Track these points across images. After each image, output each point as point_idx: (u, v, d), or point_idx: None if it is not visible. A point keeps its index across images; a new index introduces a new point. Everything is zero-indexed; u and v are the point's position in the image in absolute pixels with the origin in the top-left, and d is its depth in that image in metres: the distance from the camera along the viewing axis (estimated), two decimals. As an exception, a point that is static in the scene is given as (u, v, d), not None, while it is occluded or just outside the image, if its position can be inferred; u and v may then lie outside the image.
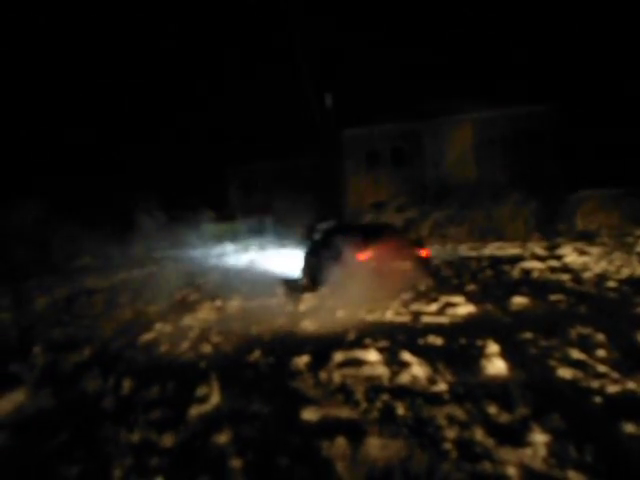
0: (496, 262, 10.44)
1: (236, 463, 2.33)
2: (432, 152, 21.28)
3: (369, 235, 9.01)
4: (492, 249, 13.82)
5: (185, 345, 4.83)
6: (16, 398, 3.62)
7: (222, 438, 2.61)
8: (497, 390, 3.10)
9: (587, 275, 7.86)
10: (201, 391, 3.33)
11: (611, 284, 6.77)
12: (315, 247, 10.01)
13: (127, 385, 3.65)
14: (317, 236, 11.11)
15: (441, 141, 21.25)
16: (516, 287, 7.04)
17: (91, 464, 2.47)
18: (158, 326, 5.72)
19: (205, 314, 6.56)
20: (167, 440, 2.66)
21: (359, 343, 4.28)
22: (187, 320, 6.15)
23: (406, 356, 3.79)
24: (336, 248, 8.12)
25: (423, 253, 8.27)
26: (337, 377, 3.50)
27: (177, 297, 8.31)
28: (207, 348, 4.64)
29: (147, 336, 5.34)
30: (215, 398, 3.22)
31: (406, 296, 6.82)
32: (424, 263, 8.12)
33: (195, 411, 3.01)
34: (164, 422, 2.90)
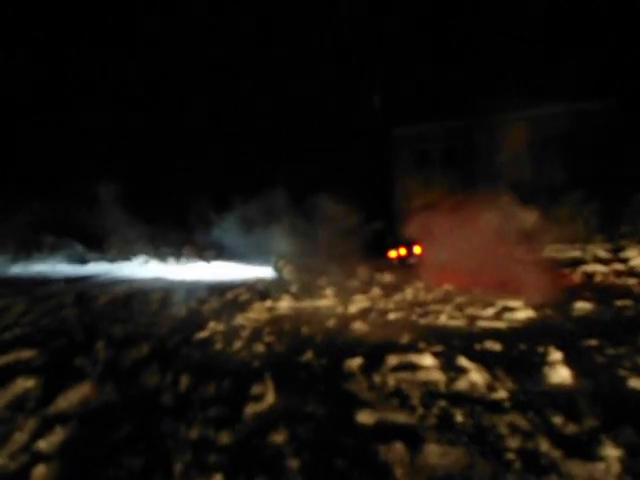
0: (555, 265, 9.98)
1: (293, 463, 2.34)
2: (485, 151, 20.58)
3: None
4: (550, 251, 13.21)
5: (238, 344, 4.91)
6: (82, 391, 3.80)
7: (279, 437, 2.62)
8: (562, 399, 2.95)
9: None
10: (256, 390, 3.37)
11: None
12: None
13: (184, 382, 3.75)
14: None
15: (494, 140, 20.50)
16: (578, 291, 6.70)
17: (153, 457, 2.55)
18: (212, 325, 5.86)
19: (256, 314, 6.67)
20: (225, 438, 2.71)
21: (413, 347, 4.20)
22: (239, 319, 6.27)
23: (463, 361, 3.67)
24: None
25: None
26: (391, 381, 3.44)
27: (228, 297, 8.50)
28: (260, 347, 4.69)
29: (202, 334, 5.49)
30: (270, 397, 3.25)
31: (460, 299, 6.65)
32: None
33: (251, 410, 3.04)
34: (221, 419, 2.95)
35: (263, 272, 13.06)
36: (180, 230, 26.54)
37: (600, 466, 2.12)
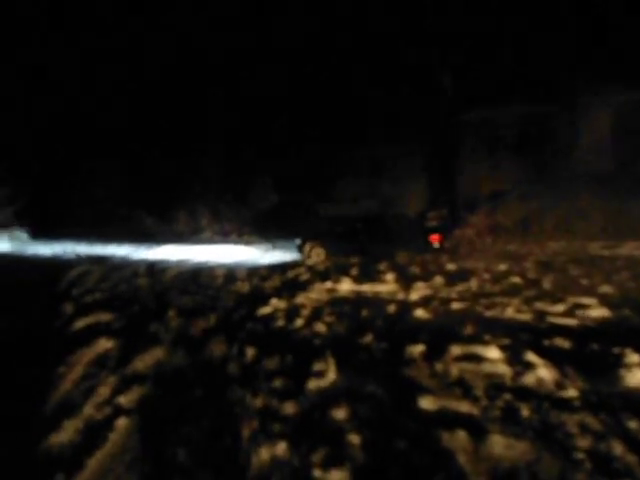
0: (634, 263, 9.32)
1: (354, 439, 2.40)
2: (563, 138, 19.30)
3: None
4: (630, 249, 12.35)
5: (299, 322, 5.03)
6: (156, 355, 4.08)
7: (340, 413, 2.69)
8: (638, 403, 2.79)
9: None
10: (318, 366, 3.46)
11: None
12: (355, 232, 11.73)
13: (250, 353, 3.91)
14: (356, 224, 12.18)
15: (573, 126, 19.23)
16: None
17: (222, 421, 2.71)
18: (274, 302, 6.04)
19: (316, 294, 6.78)
20: (288, 408, 2.82)
21: (478, 338, 4.11)
22: (300, 298, 6.40)
23: (530, 356, 3.56)
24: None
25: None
26: (454, 370, 3.40)
27: (289, 276, 8.69)
28: (320, 327, 4.78)
29: (264, 310, 5.67)
30: (331, 375, 3.33)
31: (528, 293, 6.40)
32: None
33: (313, 384, 3.14)
34: (285, 391, 3.07)
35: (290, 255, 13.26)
36: (243, 209, 27.33)
37: (680, 476, 2.01)
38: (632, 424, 2.50)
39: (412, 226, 11.93)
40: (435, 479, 2.02)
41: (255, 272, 9.31)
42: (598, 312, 5.18)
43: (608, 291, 6.48)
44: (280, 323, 5.06)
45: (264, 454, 2.30)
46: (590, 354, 3.75)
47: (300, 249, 12.02)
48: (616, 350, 3.69)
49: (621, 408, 2.71)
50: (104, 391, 3.18)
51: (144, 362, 3.90)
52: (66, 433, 2.64)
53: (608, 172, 17.57)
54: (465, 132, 21.28)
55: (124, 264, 11.31)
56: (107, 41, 23.86)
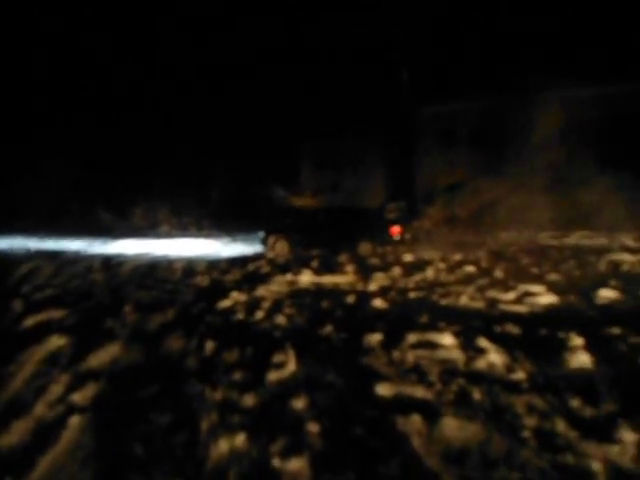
0: (581, 252, 9.82)
1: (313, 428, 2.43)
2: (514, 132, 20.04)
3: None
4: (577, 238, 13.02)
5: (260, 314, 5.02)
6: (111, 351, 3.98)
7: (299, 403, 2.72)
8: (581, 384, 2.96)
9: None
10: (278, 358, 3.48)
11: None
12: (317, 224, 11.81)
13: (209, 347, 3.88)
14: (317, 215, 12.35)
15: (526, 121, 19.93)
16: (603, 280, 6.60)
17: (180, 416, 2.68)
18: (234, 295, 5.99)
19: (277, 286, 6.78)
20: (248, 401, 2.82)
21: (433, 325, 4.24)
22: (260, 291, 6.39)
23: (483, 342, 3.71)
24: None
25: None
26: (410, 357, 3.50)
27: (250, 268, 8.64)
28: (281, 319, 4.79)
29: (224, 303, 5.62)
30: (291, 366, 3.35)
31: (481, 282, 6.63)
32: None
33: (273, 376, 3.15)
34: (245, 384, 3.07)
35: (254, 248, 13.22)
36: (201, 202, 26.93)
37: (615, 448, 2.15)
38: (574, 402, 2.66)
39: (373, 218, 12.05)
40: (390, 463, 2.07)
41: (215, 265, 9.20)
42: (546, 299, 5.44)
43: (556, 279, 6.81)
44: (240, 316, 5.03)
45: (223, 446, 2.29)
46: (538, 339, 3.94)
47: (264, 242, 11.95)
48: (562, 334, 3.90)
49: (565, 388, 2.88)
50: (56, 389, 3.07)
51: (99, 359, 3.79)
52: (16, 434, 2.55)
53: (558, 165, 18.36)
54: (422, 127, 21.69)
55: (78, 259, 10.90)
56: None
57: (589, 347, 3.58)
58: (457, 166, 20.94)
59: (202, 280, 7.48)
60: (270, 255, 11.09)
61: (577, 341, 3.69)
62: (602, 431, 2.31)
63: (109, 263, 9.93)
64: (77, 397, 2.95)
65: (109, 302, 6.03)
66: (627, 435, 2.25)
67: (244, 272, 8.28)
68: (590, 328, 4.12)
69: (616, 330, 4.04)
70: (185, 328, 4.50)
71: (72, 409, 2.78)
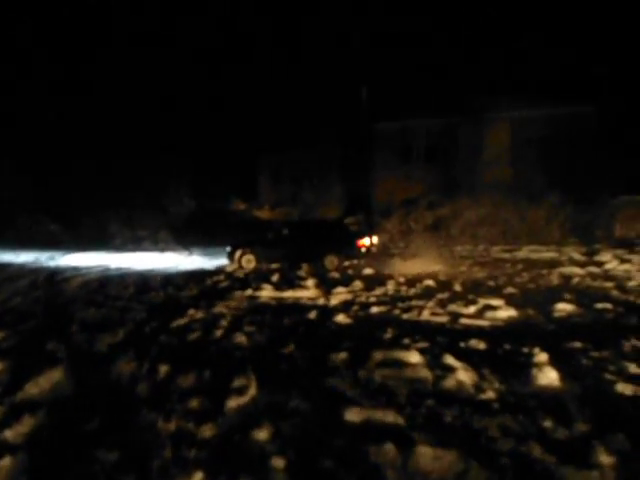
0: (532, 266, 10.10)
1: (278, 462, 2.23)
2: (467, 150, 20.74)
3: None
4: (526, 252, 13.42)
5: (218, 333, 4.77)
6: (53, 377, 3.61)
7: (262, 434, 2.51)
8: (550, 402, 2.91)
9: (632, 284, 7.51)
10: (238, 382, 3.25)
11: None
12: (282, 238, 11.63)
13: (163, 370, 3.60)
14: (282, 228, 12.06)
15: (477, 139, 20.69)
16: (557, 293, 6.76)
17: (128, 452, 2.41)
18: (190, 312, 5.70)
19: (237, 302, 6.52)
20: (206, 432, 2.58)
21: (398, 343, 4.13)
22: (219, 308, 6.11)
23: (449, 360, 3.62)
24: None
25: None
26: (377, 377, 3.37)
27: (208, 283, 8.32)
28: (241, 337, 4.55)
29: (180, 321, 5.32)
30: (252, 390, 3.13)
31: (441, 295, 6.63)
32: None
33: (233, 403, 2.92)
34: (202, 412, 2.83)
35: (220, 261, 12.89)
36: (157, 215, 26.11)
37: (595, 474, 2.08)
38: (547, 423, 2.59)
39: (340, 231, 11.98)
40: (365, 501, 1.91)
41: (170, 281, 8.80)
42: (506, 312, 5.48)
43: (512, 292, 6.91)
44: (197, 335, 4.75)
45: (177, 488, 2.05)
46: (503, 354, 3.91)
47: (230, 255, 11.61)
48: (526, 349, 3.88)
49: (536, 408, 2.81)
50: (-15, 426, 2.72)
51: (38, 387, 3.42)
52: None
53: (508, 181, 19.09)
54: (380, 142, 22.04)
55: (21, 274, 10.18)
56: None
57: (554, 362, 3.56)
58: (413, 181, 21.38)
59: (156, 296, 7.11)
60: (230, 269, 10.76)
61: (542, 356, 3.67)
62: (578, 455, 2.24)
63: (54, 278, 9.32)
64: (9, 434, 2.61)
65: (53, 322, 5.59)
66: (604, 458, 2.19)
67: (201, 287, 7.96)
68: (552, 343, 4.14)
69: (577, 344, 4.07)
70: (136, 350, 4.19)
71: (3, 449, 2.45)
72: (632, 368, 3.44)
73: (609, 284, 7.50)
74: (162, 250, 17.24)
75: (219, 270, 10.56)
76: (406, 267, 10.15)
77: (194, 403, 2.97)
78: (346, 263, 10.79)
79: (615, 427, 2.52)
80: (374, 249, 11.50)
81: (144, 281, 8.75)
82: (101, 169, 26.26)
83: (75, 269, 11.05)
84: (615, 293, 6.69)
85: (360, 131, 21.51)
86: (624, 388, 3.03)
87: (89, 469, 2.26)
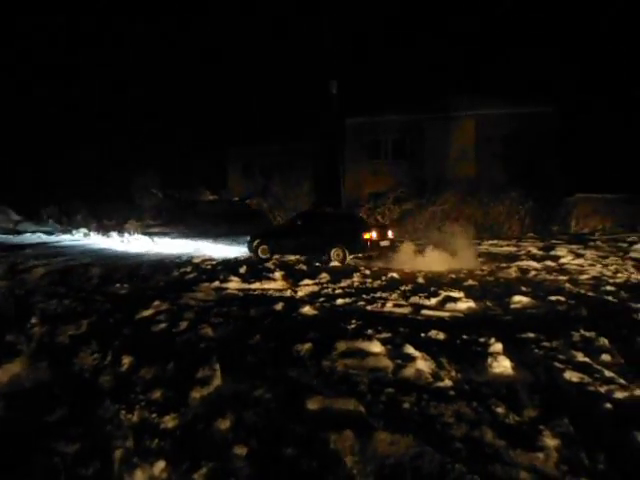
0: (492, 259, 10.44)
1: (240, 450, 2.28)
2: (433, 146, 21.18)
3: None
4: (487, 246, 13.82)
5: (184, 324, 4.75)
6: (13, 369, 3.55)
7: (225, 423, 2.56)
8: (503, 389, 3.08)
9: (584, 278, 7.88)
10: (202, 373, 3.27)
11: (609, 288, 6.78)
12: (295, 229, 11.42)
13: (126, 362, 3.58)
14: (297, 220, 11.96)
15: (443, 136, 21.15)
16: (514, 286, 7.04)
17: (90, 443, 2.41)
18: (156, 303, 5.64)
19: (203, 294, 6.50)
20: (169, 422, 2.61)
21: (361, 333, 4.23)
22: (185, 299, 6.08)
23: (410, 349, 3.75)
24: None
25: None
26: (340, 367, 3.46)
27: (174, 275, 8.24)
28: (206, 329, 4.56)
29: (145, 313, 5.27)
30: (217, 381, 3.17)
31: (405, 287, 6.80)
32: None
33: (197, 393, 2.95)
34: (165, 403, 2.85)
35: (238, 251, 12.92)
36: (124, 204, 25.54)
37: (540, 455, 2.22)
38: (499, 409, 2.74)
39: (345, 223, 11.63)
40: (323, 485, 1.99)
41: (136, 272, 8.66)
42: (465, 304, 5.68)
43: (472, 284, 7.14)
44: (162, 327, 4.73)
45: (139, 477, 2.07)
46: (461, 344, 4.07)
47: (250, 246, 11.64)
48: (482, 339, 4.05)
49: (489, 395, 2.97)
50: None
51: (-4, 379, 3.36)
52: None
53: (471, 178, 19.60)
54: (350, 137, 22.22)
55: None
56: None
57: (508, 352, 3.75)
58: (381, 176, 21.66)
59: (121, 288, 6.99)
60: (197, 260, 10.65)
61: (497, 346, 3.84)
62: (526, 438, 2.38)
63: (15, 269, 9.02)
64: (-34, 427, 2.57)
65: (13, 313, 5.45)
66: (549, 441, 2.34)
67: (168, 279, 7.87)
68: (507, 333, 4.33)
69: (531, 335, 4.28)
70: (99, 341, 4.14)
71: (-41, 442, 2.41)
72: (580, 357, 3.65)
73: (563, 277, 7.85)
74: (128, 240, 16.86)
75: (187, 261, 10.42)
76: (372, 260, 10.33)
77: (157, 394, 2.98)
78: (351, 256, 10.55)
79: (561, 412, 2.68)
80: (386, 243, 10.87)
81: (108, 272, 8.58)
82: (67, 161, 25.52)
83: (37, 260, 10.71)
84: (568, 286, 7.01)
85: (330, 125, 21.56)
86: (571, 376, 3.21)
87: (49, 461, 2.25)
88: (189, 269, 8.84)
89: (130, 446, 2.34)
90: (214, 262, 10.12)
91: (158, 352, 3.85)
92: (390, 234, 11.31)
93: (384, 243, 10.77)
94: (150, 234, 19.64)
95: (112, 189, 26.36)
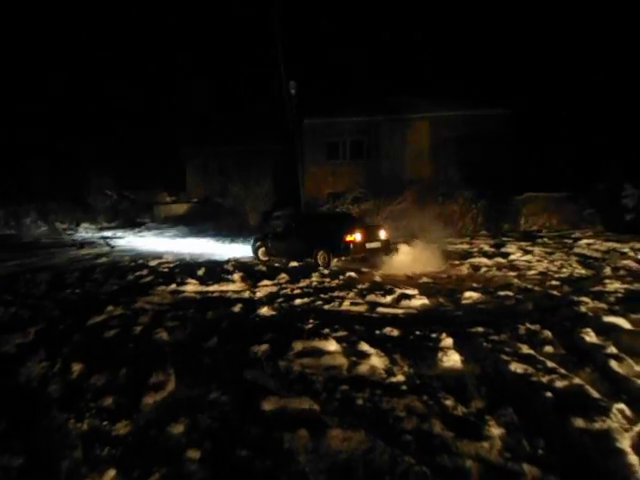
0: (446, 257, 10.73)
1: (193, 454, 2.28)
2: (390, 147, 21.62)
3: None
4: (442, 244, 14.19)
5: (138, 329, 4.66)
6: (-48, 381, 3.38)
7: (179, 428, 2.54)
8: (453, 383, 3.20)
9: (531, 273, 8.25)
10: (156, 378, 3.23)
11: (554, 283, 7.13)
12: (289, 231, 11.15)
13: (76, 369, 3.48)
14: (291, 222, 11.77)
15: (399, 137, 21.64)
16: (466, 282, 7.29)
17: (36, 455, 2.34)
18: (109, 308, 5.49)
19: (159, 298, 6.38)
20: (120, 429, 2.56)
21: (318, 332, 4.28)
22: (140, 303, 5.95)
23: (365, 347, 3.83)
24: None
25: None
26: (297, 367, 3.49)
27: (129, 279, 8.03)
28: (162, 333, 4.48)
29: (97, 318, 5.12)
30: (171, 386, 3.13)
31: (362, 286, 6.91)
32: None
33: (150, 399, 2.91)
34: (117, 410, 2.79)
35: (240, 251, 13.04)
36: (77, 206, 24.63)
37: (485, 444, 2.34)
38: (448, 402, 2.85)
39: (331, 225, 10.81)
40: (276, 485, 2.02)
41: (88, 276, 8.37)
42: (419, 301, 5.84)
43: (426, 281, 7.35)
44: (114, 332, 4.61)
45: (88, 487, 2.04)
46: (414, 340, 4.19)
47: (253, 248, 11.54)
48: (434, 335, 4.19)
49: (439, 388, 3.08)
50: None
51: None
52: None
53: (427, 178, 20.15)
54: (309, 137, 22.31)
55: None
56: None
57: (458, 346, 3.89)
58: (340, 176, 21.90)
59: (72, 294, 6.75)
60: (153, 263, 10.39)
61: (447, 341, 3.99)
62: (473, 429, 2.50)
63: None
64: None
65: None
66: (494, 430, 2.47)
67: (123, 283, 7.66)
68: (458, 328, 4.49)
69: (480, 329, 4.45)
70: (48, 349, 4.00)
71: None
72: (525, 349, 3.83)
73: (512, 273, 8.20)
74: (81, 245, 16.23)
75: (142, 264, 10.16)
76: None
77: (109, 401, 2.92)
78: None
79: (506, 402, 2.82)
80: (376, 245, 10.00)
81: (58, 277, 8.26)
82: (17, 165, 24.38)
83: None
84: (516, 281, 7.32)
85: (289, 126, 21.56)
86: (516, 367, 3.37)
87: (-9, 475, 2.17)
88: (145, 272, 8.64)
89: (79, 456, 2.29)
90: (171, 265, 9.93)
91: (110, 358, 3.76)
92: (383, 235, 10.44)
93: (373, 245, 9.95)
94: (105, 237, 19.03)
95: (64, 190, 25.36)
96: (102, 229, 22.92)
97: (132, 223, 24.57)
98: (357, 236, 9.58)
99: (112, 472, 2.13)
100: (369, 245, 9.86)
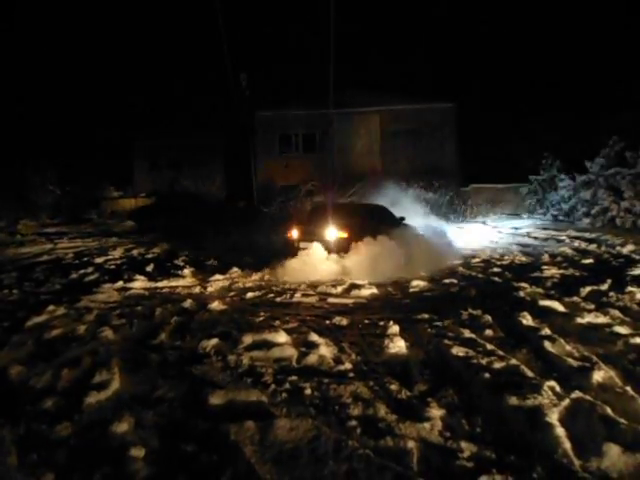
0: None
1: (137, 452, 2.23)
2: (342, 140, 21.82)
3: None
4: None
5: (82, 329, 4.48)
6: None
7: (122, 426, 2.48)
8: (398, 368, 3.31)
9: (475, 261, 8.60)
10: (100, 377, 3.13)
11: (496, 270, 7.47)
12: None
13: (13, 372, 3.31)
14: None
15: (350, 130, 21.89)
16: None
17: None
18: (50, 308, 5.25)
19: (105, 296, 6.16)
20: (60, 432, 2.47)
21: (268, 325, 4.30)
22: (84, 302, 5.72)
23: (314, 337, 3.88)
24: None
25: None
26: (246, 360, 3.48)
27: (73, 277, 7.70)
28: (107, 332, 4.34)
29: (37, 319, 4.88)
30: (115, 384, 3.05)
31: (313, 278, 6.97)
32: None
33: (93, 399, 2.82)
34: (57, 412, 2.69)
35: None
36: (16, 203, 23.28)
37: (426, 425, 2.44)
38: (393, 387, 2.94)
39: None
40: (221, 479, 2.02)
41: (28, 275, 7.95)
42: (369, 291, 5.97)
43: (376, 272, 7.50)
44: (56, 332, 4.42)
45: (23, 493, 1.96)
46: (362, 328, 4.29)
47: None
48: (382, 323, 4.30)
49: (385, 374, 3.17)
50: None
51: None
52: None
53: (378, 170, 20.50)
54: (261, 130, 22.13)
55: None
56: None
57: (404, 332, 4.02)
58: (293, 169, 21.90)
59: (9, 294, 6.40)
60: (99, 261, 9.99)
61: (394, 328, 4.11)
62: (415, 411, 2.60)
63: None
64: None
65: None
66: (435, 412, 2.58)
67: (65, 281, 7.33)
68: (404, 315, 4.64)
69: (425, 315, 4.61)
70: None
71: None
72: (466, 333, 4.00)
73: (457, 262, 8.51)
74: (25, 240, 15.30)
75: (87, 261, 9.75)
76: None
77: (49, 403, 2.81)
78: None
79: (447, 384, 2.95)
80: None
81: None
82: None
83: None
84: (461, 270, 7.62)
85: (241, 119, 21.28)
86: (458, 351, 3.52)
87: None
88: (90, 270, 8.31)
89: (12, 462, 2.19)
90: (118, 261, 9.60)
91: (51, 359, 3.61)
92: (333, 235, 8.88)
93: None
94: (47, 234, 18.11)
95: (2, 186, 23.88)
96: (44, 226, 21.78)
97: (77, 219, 23.48)
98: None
99: (50, 477, 2.06)
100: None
